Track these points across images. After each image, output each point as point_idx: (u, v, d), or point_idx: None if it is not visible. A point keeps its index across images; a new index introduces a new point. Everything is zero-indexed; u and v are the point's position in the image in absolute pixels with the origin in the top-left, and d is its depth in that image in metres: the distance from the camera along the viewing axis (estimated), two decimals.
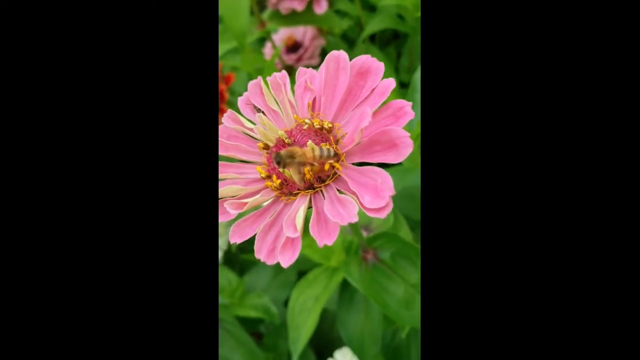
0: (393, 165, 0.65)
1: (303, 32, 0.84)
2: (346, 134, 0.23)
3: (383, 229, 0.48)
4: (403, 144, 0.20)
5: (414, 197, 0.68)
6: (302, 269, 0.79)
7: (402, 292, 0.52)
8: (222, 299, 0.68)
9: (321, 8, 0.71)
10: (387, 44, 0.99)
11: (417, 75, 0.60)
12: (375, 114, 0.22)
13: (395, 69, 0.89)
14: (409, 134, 0.20)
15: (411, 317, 0.51)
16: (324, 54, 0.89)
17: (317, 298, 0.61)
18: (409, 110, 0.21)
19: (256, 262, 0.82)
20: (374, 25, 0.78)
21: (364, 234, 0.46)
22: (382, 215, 0.20)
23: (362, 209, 0.20)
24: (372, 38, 0.98)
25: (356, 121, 0.22)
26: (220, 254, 0.80)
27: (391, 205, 0.20)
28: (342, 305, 0.63)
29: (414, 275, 0.51)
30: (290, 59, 0.83)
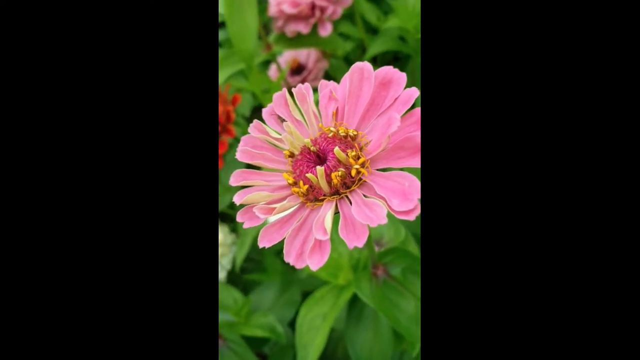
0: None
1: (307, 55, 0.86)
2: (370, 141, 0.24)
3: (394, 243, 0.48)
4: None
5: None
6: (306, 290, 0.79)
7: (413, 308, 0.52)
8: (228, 316, 0.67)
9: (326, 31, 0.73)
10: (389, 65, 1.01)
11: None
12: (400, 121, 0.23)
13: None
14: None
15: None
16: (327, 76, 0.91)
17: (325, 316, 0.61)
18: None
19: (260, 282, 0.82)
20: (376, 47, 0.80)
21: (376, 248, 0.47)
22: (411, 217, 0.21)
23: (392, 212, 0.21)
24: (374, 60, 1.00)
25: (383, 127, 0.23)
26: (224, 274, 0.79)
27: (419, 208, 0.21)
28: (350, 323, 0.62)
29: None
30: (294, 81, 0.85)
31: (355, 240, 0.21)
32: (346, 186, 0.24)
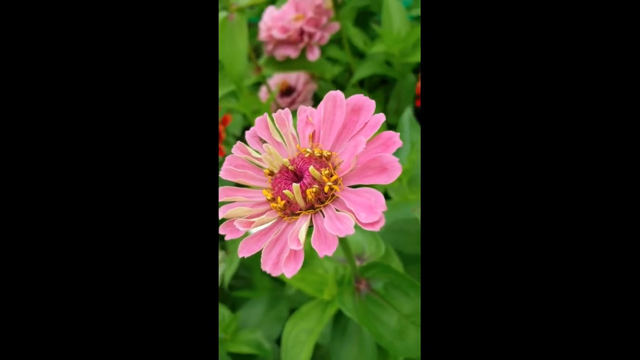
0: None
1: (296, 78, 0.90)
2: (342, 161, 0.26)
3: (375, 258, 0.50)
4: (393, 168, 0.24)
5: (404, 230, 0.71)
6: (294, 306, 0.80)
7: (396, 323, 0.54)
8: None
9: (314, 55, 0.76)
10: (375, 88, 1.05)
11: (404, 117, 0.65)
12: (368, 143, 0.26)
13: (383, 111, 0.94)
14: (397, 159, 0.23)
15: (405, 347, 0.52)
16: (315, 97, 0.94)
17: (310, 331, 0.62)
18: (397, 140, 0.25)
19: (248, 299, 0.83)
20: (362, 71, 0.84)
21: (358, 263, 0.49)
22: (376, 228, 0.23)
23: (359, 224, 0.23)
24: (362, 83, 1.04)
25: (352, 149, 0.25)
26: None
27: (383, 220, 0.23)
28: (335, 337, 0.63)
29: (407, 306, 0.53)
30: (284, 102, 0.88)
31: (326, 250, 0.23)
32: (320, 201, 0.26)
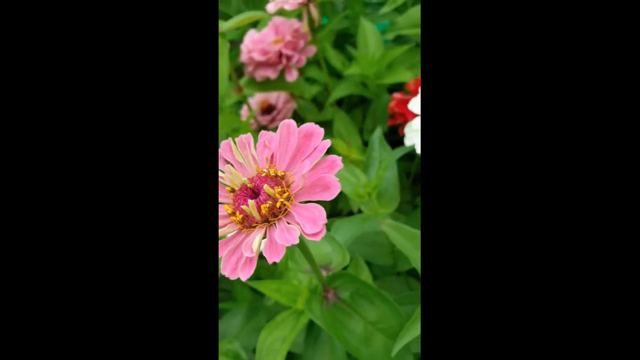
0: (356, 214, 0.72)
1: (277, 97, 0.94)
2: (294, 180, 0.31)
3: (340, 268, 0.54)
4: (334, 187, 0.28)
5: (376, 242, 0.75)
6: (271, 317, 0.83)
7: (362, 330, 0.57)
8: None
9: (292, 76, 0.81)
10: (354, 106, 1.09)
11: (374, 136, 0.69)
12: (316, 165, 0.30)
13: (360, 129, 0.99)
14: (337, 179, 0.27)
15: (371, 353, 0.56)
16: (295, 115, 0.98)
17: (284, 339, 0.65)
18: (339, 163, 0.29)
19: (228, 309, 0.85)
20: (339, 91, 0.88)
21: (324, 273, 0.52)
22: (318, 238, 0.27)
23: (303, 235, 0.27)
24: (341, 102, 1.09)
25: (301, 171, 0.29)
26: None
27: (324, 231, 0.27)
28: (308, 345, 0.66)
29: (373, 314, 0.56)
30: (264, 120, 0.92)
31: (274, 257, 0.27)
32: (274, 215, 0.30)
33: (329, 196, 0.28)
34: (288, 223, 0.29)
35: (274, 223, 0.30)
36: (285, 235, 0.27)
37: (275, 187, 0.30)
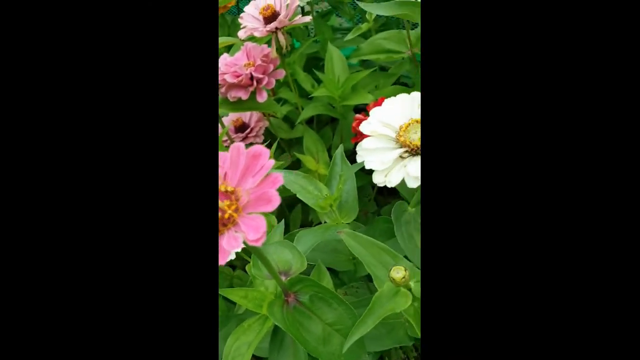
0: (318, 224, 0.77)
1: (250, 115, 0.99)
2: (242, 195, 0.36)
3: (298, 272, 0.59)
4: (274, 200, 0.33)
5: (337, 250, 0.80)
6: None
7: (320, 331, 0.62)
8: None
9: (262, 98, 0.86)
10: (325, 125, 1.16)
11: (337, 153, 0.75)
12: (261, 181, 0.35)
13: (329, 146, 1.05)
14: (277, 194, 0.33)
15: (329, 353, 0.60)
16: (267, 133, 1.04)
17: (249, 344, 0.68)
18: (281, 179, 0.35)
19: None
20: (307, 111, 0.94)
21: (283, 278, 0.57)
22: (259, 244, 0.32)
23: (247, 242, 0.33)
24: (312, 120, 1.15)
25: (246, 186, 0.35)
26: None
27: (264, 238, 0.32)
28: (273, 349, 0.70)
29: (330, 315, 0.61)
30: (238, 137, 0.97)
31: (222, 260, 0.32)
32: (224, 225, 0.35)
33: (271, 208, 0.33)
34: (235, 232, 0.34)
35: (224, 232, 0.35)
36: (231, 242, 0.33)
37: (225, 201, 0.35)
